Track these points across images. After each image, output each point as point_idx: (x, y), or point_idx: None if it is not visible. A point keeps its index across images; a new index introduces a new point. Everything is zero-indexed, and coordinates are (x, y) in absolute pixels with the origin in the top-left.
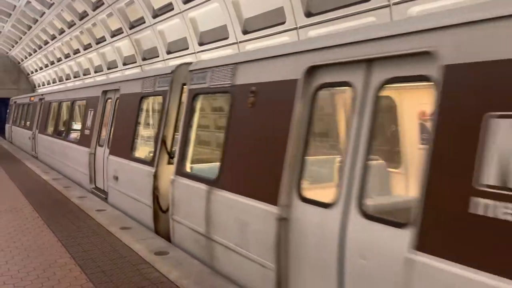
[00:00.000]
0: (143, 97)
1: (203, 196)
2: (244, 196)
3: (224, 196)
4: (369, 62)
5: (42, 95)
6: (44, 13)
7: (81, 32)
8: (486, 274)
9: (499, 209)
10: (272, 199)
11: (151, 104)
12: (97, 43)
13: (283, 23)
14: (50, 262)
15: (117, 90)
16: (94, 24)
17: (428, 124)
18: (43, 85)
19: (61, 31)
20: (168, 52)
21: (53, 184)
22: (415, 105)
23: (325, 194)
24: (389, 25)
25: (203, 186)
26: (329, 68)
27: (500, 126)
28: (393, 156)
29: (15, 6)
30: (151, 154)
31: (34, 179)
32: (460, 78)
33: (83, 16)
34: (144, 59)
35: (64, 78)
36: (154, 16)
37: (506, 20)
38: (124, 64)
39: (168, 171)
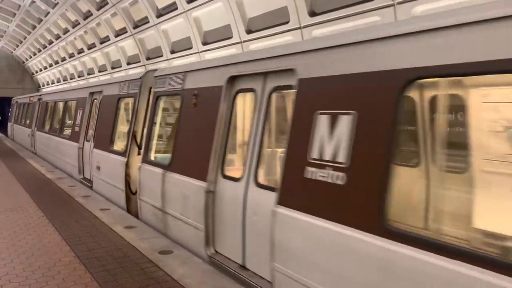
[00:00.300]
0: (119, 98)
1: (160, 178)
2: (186, 176)
3: (174, 177)
4: (266, 74)
5: (40, 95)
6: (48, 12)
7: (85, 32)
8: (314, 217)
9: (315, 173)
10: (203, 177)
11: (126, 104)
12: (101, 43)
13: (287, 22)
14: (55, 261)
15: (100, 92)
16: (98, 24)
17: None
18: (47, 84)
19: (66, 31)
20: (172, 52)
21: (58, 183)
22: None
23: (236, 172)
24: (276, 48)
25: (160, 170)
26: (242, 78)
27: (320, 120)
28: (279, 144)
29: (19, 6)
30: (124, 147)
31: (38, 178)
32: (305, 87)
33: (87, 15)
34: (148, 58)
35: (68, 77)
36: (158, 16)
37: (324, 51)
38: (128, 63)
39: (137, 160)
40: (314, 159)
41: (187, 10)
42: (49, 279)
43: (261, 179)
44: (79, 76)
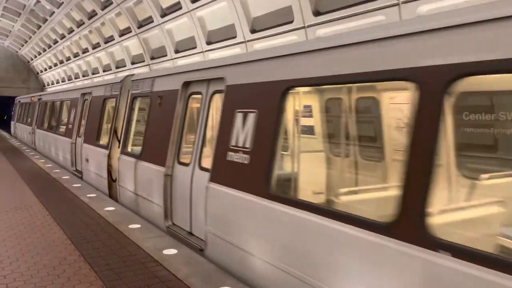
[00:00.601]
0: (105, 99)
1: (133, 166)
2: (151, 163)
3: (143, 165)
4: (209, 81)
5: (40, 95)
6: (53, 12)
7: (90, 31)
8: (234, 190)
9: (233, 156)
10: (163, 164)
11: (110, 104)
12: (105, 42)
13: (291, 22)
14: (60, 260)
15: (90, 93)
16: (102, 23)
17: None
18: (52, 84)
19: (70, 30)
20: (176, 51)
21: (63, 182)
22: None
23: (187, 159)
24: (214, 61)
25: (133, 160)
26: (193, 83)
27: (237, 116)
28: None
29: (24, 6)
30: (107, 141)
31: (44, 177)
32: (230, 91)
33: (92, 15)
34: (152, 58)
35: (73, 77)
36: (162, 15)
37: (239, 64)
38: (133, 63)
39: (117, 152)
40: (233, 146)
41: (191, 10)
42: (55, 277)
43: (203, 164)
44: (83, 76)
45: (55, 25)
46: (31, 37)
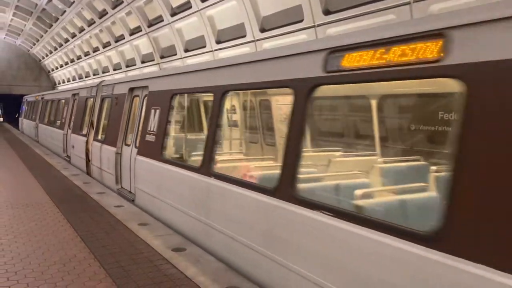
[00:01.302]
0: (87, 98)
1: (99, 149)
2: (109, 145)
3: (105, 147)
4: (143, 88)
5: (43, 95)
6: (64, 11)
7: (101, 30)
8: (147, 158)
9: (148, 137)
10: (115, 145)
11: (89, 103)
12: (116, 41)
13: (301, 21)
14: (70, 257)
15: (78, 93)
16: (113, 23)
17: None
18: (63, 82)
19: (81, 29)
20: (186, 50)
21: (73, 180)
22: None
23: (129, 142)
24: (143, 75)
25: (99, 144)
26: (135, 89)
27: (152, 111)
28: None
29: (36, 4)
30: (86, 131)
31: (53, 174)
32: (150, 95)
33: (102, 14)
34: (162, 57)
35: (83, 75)
36: (172, 14)
37: (155, 78)
38: (143, 62)
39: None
40: (149, 130)
41: (201, 9)
42: (65, 274)
43: (137, 144)
44: (94, 75)
45: (66, 24)
46: (42, 36)
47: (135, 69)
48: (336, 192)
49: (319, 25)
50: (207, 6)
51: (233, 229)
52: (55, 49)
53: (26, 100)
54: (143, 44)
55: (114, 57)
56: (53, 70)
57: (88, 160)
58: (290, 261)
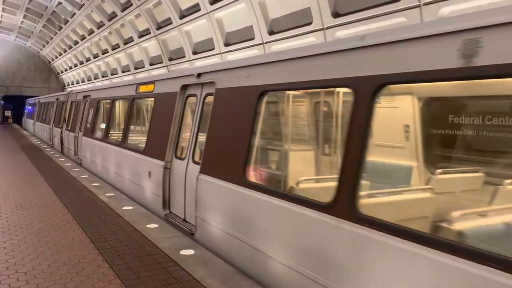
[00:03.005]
0: (63, 102)
1: (67, 135)
2: (72, 132)
3: (69, 134)
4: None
5: (39, 98)
6: (74, 13)
7: (110, 33)
8: (96, 139)
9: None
10: (75, 131)
11: (64, 105)
12: (125, 43)
13: (310, 23)
14: (79, 258)
15: (58, 98)
16: (122, 25)
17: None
18: (72, 84)
19: (90, 32)
20: (194, 53)
21: (82, 181)
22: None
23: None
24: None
25: (67, 132)
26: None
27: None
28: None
29: (46, 7)
30: (62, 124)
31: (63, 175)
32: (90, 101)
33: (112, 16)
34: (170, 59)
35: (92, 77)
36: (181, 17)
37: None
38: (151, 64)
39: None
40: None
41: (210, 12)
42: (74, 275)
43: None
44: (103, 76)
45: (76, 27)
46: (52, 38)
47: (143, 71)
48: None
49: (328, 28)
50: (216, 9)
51: None
52: (65, 51)
53: (28, 102)
54: (151, 46)
55: (123, 59)
56: (62, 72)
57: (62, 145)
58: None
